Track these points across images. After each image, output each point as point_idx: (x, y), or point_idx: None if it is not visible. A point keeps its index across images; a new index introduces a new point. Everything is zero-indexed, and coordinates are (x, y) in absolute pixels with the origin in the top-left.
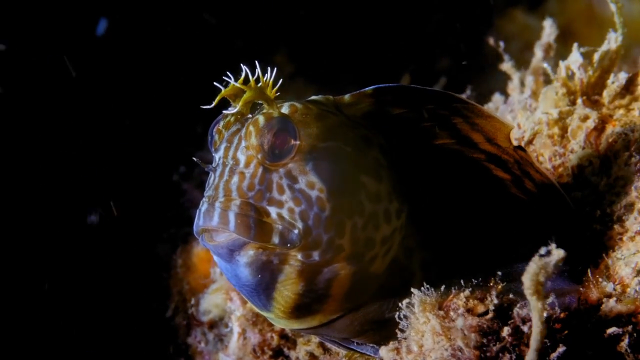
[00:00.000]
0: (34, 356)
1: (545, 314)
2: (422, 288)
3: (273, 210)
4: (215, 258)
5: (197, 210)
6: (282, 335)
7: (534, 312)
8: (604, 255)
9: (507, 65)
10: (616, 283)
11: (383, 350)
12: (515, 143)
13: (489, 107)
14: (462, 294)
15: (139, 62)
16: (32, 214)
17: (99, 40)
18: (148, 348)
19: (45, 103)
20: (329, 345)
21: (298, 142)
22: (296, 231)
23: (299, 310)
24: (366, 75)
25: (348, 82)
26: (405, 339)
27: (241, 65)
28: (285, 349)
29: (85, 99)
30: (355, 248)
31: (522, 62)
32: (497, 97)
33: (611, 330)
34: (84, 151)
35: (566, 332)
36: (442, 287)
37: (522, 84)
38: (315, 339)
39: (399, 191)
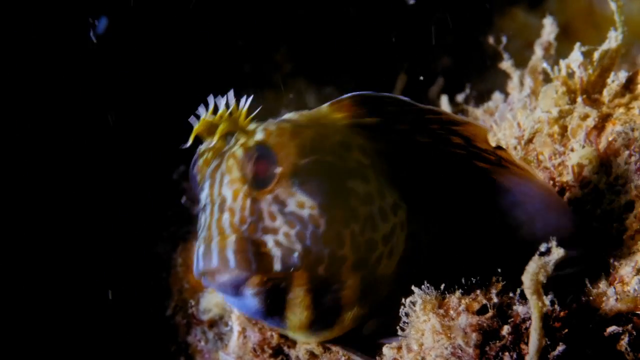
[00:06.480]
0: (33, 356)
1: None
2: (423, 286)
3: (269, 239)
4: (221, 295)
5: (195, 253)
6: (282, 334)
7: (534, 310)
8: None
9: (506, 64)
10: (616, 282)
11: (385, 349)
12: (493, 145)
13: (489, 105)
14: (461, 293)
15: (139, 60)
16: (32, 213)
17: (99, 38)
18: (148, 347)
19: (46, 101)
20: (353, 356)
21: (279, 168)
22: (296, 254)
23: (315, 324)
24: (365, 74)
25: (347, 81)
26: (405, 337)
27: (208, 99)
28: (285, 348)
29: (84, 96)
30: (358, 254)
31: (522, 61)
32: (497, 96)
33: (611, 328)
34: (83, 150)
35: (566, 330)
36: (442, 286)
37: (522, 82)
38: None
39: (390, 187)
